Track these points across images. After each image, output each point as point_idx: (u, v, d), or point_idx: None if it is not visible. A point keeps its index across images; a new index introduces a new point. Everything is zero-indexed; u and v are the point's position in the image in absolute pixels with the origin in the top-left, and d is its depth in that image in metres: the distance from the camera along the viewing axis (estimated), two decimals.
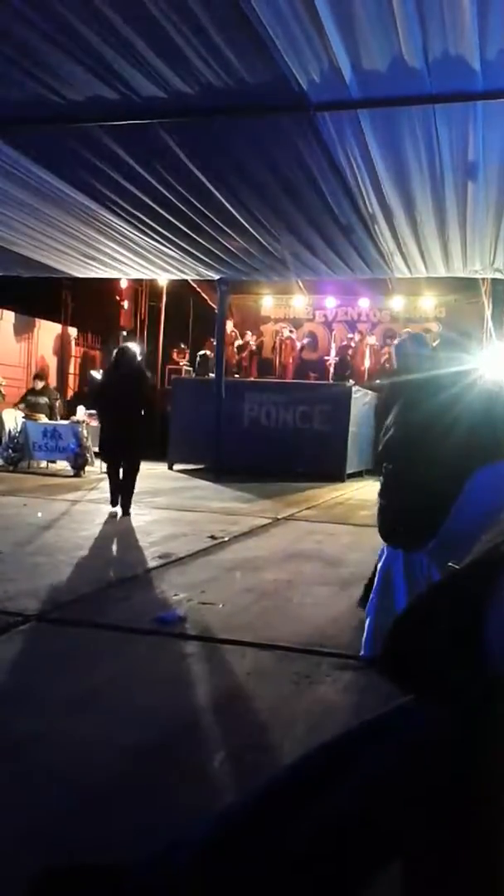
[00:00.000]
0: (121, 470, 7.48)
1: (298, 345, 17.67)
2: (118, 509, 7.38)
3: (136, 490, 7.44)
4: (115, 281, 15.48)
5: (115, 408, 7.42)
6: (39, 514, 7.12)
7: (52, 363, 17.39)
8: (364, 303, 18.00)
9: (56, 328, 17.82)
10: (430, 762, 0.55)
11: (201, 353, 16.45)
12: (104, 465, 8.00)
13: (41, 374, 13.71)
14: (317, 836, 0.64)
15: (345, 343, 17.18)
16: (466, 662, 0.61)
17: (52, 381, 15.96)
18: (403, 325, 17.24)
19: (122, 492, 7.39)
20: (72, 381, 18.31)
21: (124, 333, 17.26)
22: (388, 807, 0.58)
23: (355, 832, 0.62)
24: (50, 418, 12.33)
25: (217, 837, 0.74)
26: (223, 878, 0.69)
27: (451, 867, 0.49)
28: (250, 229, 8.89)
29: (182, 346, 17.67)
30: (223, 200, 7.95)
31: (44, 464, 12.31)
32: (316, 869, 0.63)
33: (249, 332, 17.67)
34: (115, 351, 8.20)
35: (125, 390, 7.39)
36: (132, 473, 7.47)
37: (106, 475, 7.82)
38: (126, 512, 7.30)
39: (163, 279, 14.92)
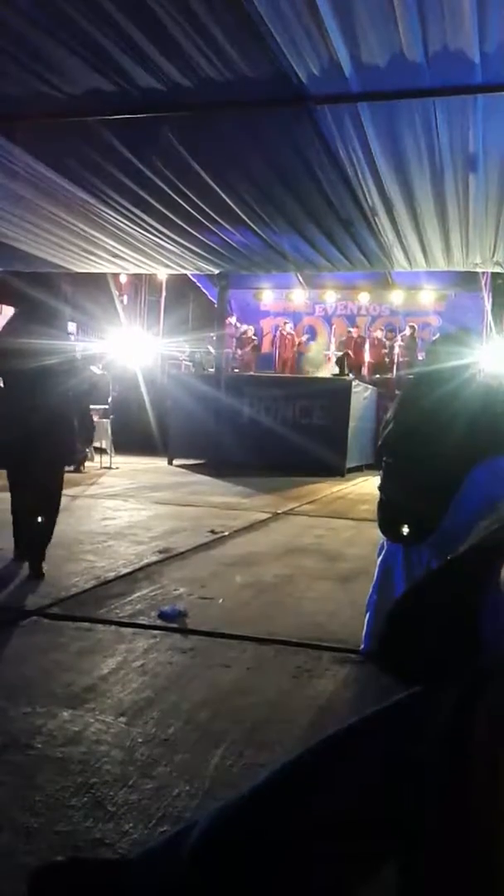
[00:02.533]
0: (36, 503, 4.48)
1: (297, 340, 17.65)
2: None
3: (133, 485, 7.08)
4: (115, 275, 15.46)
5: (24, 392, 4.35)
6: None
7: None
8: (364, 297, 17.96)
9: None
10: (428, 754, 0.55)
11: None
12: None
13: None
14: (316, 832, 0.64)
15: (346, 337, 17.16)
16: (462, 649, 0.61)
17: None
18: (403, 319, 17.24)
19: (31, 536, 4.45)
20: None
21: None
22: (387, 802, 0.58)
23: (354, 828, 0.63)
24: None
25: (217, 833, 0.74)
26: (223, 873, 0.70)
27: (450, 864, 0.49)
28: (250, 223, 8.87)
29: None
30: (222, 194, 7.93)
31: None
32: (315, 864, 0.63)
33: (248, 326, 17.65)
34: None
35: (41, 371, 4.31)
36: (50, 506, 4.51)
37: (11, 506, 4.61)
38: (39, 572, 4.31)
39: (162, 274, 14.89)
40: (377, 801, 0.61)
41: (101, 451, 11.92)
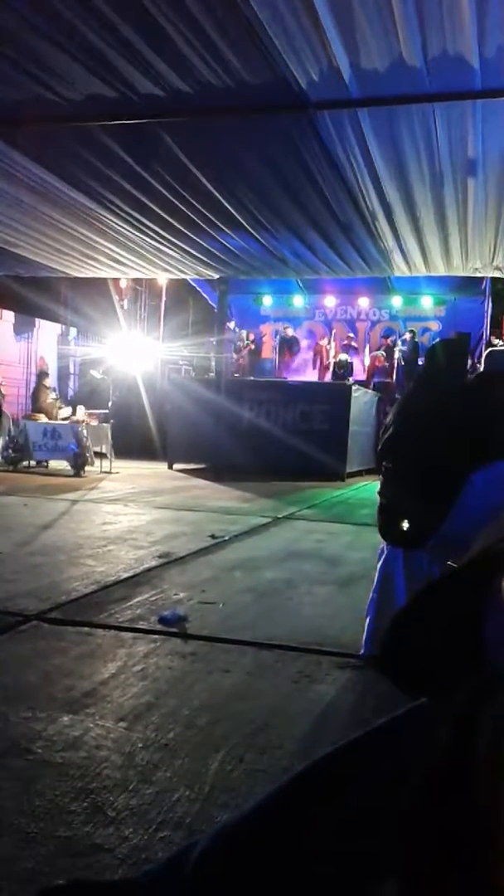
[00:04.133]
0: None
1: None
2: None
3: (133, 490, 7.13)
4: (115, 280, 15.49)
5: None
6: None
7: (52, 363, 17.38)
8: (364, 301, 17.95)
9: (56, 328, 17.82)
10: (430, 766, 0.55)
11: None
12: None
13: (47, 373, 13.79)
14: (316, 853, 0.64)
15: (345, 341, 17.17)
16: (465, 660, 0.61)
17: (52, 381, 15.98)
18: (404, 324, 17.25)
19: None
20: (72, 381, 18.32)
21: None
22: (387, 822, 0.58)
23: (358, 842, 0.62)
24: (50, 418, 12.33)
25: (218, 852, 0.74)
26: (227, 890, 0.70)
27: (451, 886, 0.49)
28: (250, 228, 8.89)
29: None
30: (222, 200, 7.95)
31: (44, 463, 12.31)
32: (320, 878, 0.63)
33: (245, 331, 17.65)
34: None
35: None
36: None
37: None
38: None
39: (162, 279, 14.91)
40: (378, 821, 0.61)
41: (101, 455, 11.93)
